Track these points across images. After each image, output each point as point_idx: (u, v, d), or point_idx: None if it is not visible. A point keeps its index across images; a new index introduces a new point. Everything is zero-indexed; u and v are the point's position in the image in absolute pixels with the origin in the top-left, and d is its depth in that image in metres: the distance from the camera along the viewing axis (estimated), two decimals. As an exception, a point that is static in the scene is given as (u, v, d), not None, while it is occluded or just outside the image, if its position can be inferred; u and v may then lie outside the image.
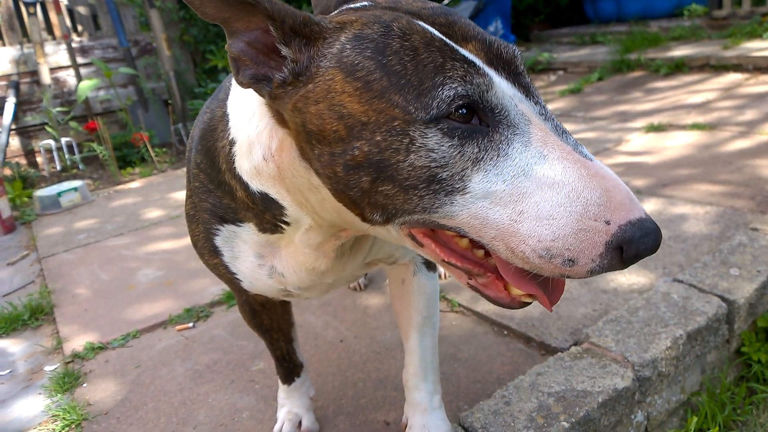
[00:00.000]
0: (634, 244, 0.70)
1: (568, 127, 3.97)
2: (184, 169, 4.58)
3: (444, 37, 0.77)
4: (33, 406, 1.79)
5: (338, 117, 0.76)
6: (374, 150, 0.74)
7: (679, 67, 4.93)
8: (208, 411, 1.63)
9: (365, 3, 0.88)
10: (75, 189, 3.98)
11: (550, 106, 4.65)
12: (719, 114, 3.59)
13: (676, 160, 2.95)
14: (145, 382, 1.81)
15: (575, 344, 1.60)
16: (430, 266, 1.27)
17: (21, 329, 2.30)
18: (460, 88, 0.72)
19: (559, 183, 0.72)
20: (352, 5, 0.87)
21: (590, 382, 1.42)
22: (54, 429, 1.66)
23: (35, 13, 5.07)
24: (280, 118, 0.84)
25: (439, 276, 2.11)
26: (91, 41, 5.61)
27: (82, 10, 5.66)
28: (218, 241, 1.08)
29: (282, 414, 1.49)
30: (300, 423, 1.46)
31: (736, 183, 2.52)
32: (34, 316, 2.35)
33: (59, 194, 3.90)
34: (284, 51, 0.78)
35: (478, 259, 0.82)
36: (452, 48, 0.75)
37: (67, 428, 1.66)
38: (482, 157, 0.74)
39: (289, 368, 1.46)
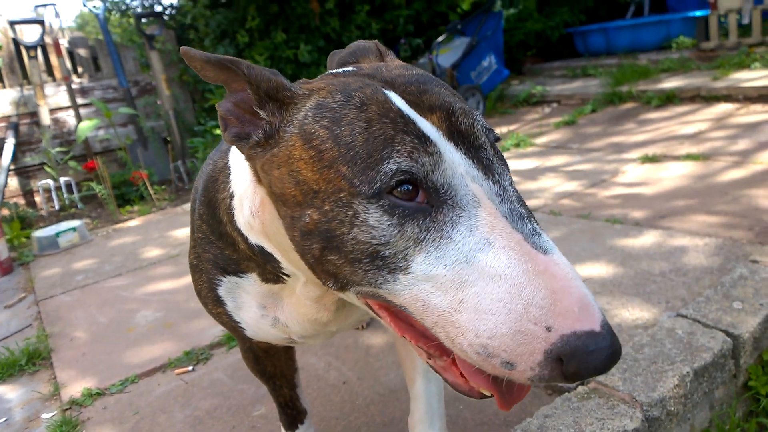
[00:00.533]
0: (574, 360, 0.61)
1: (563, 159, 4.01)
2: (183, 207, 4.59)
3: (407, 107, 0.75)
4: (30, 456, 1.76)
5: (296, 183, 0.77)
6: (323, 219, 0.74)
7: (670, 98, 5.01)
8: (210, 459, 1.60)
9: (349, 68, 0.89)
10: (74, 229, 3.97)
11: (544, 138, 4.71)
12: (712, 144, 3.63)
13: (673, 191, 2.97)
14: (144, 429, 1.78)
15: (582, 383, 1.58)
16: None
17: (18, 375, 2.26)
18: (404, 164, 0.69)
19: (501, 275, 0.65)
20: (336, 71, 0.89)
21: (599, 424, 1.39)
22: (51, 480, 1.62)
23: (36, 56, 5.14)
24: (257, 177, 0.86)
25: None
26: (91, 82, 5.68)
27: (82, 52, 5.75)
28: (221, 291, 1.09)
29: (285, 462, 1.46)
30: (304, 470, 1.43)
31: (733, 213, 2.53)
32: (31, 361, 2.31)
33: (57, 234, 3.89)
34: (261, 113, 0.81)
35: (435, 339, 0.74)
36: (408, 120, 0.72)
37: (64, 479, 1.62)
38: (424, 238, 0.70)
39: (293, 415, 1.43)
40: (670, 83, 5.26)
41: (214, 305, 1.12)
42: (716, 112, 4.43)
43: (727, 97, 4.67)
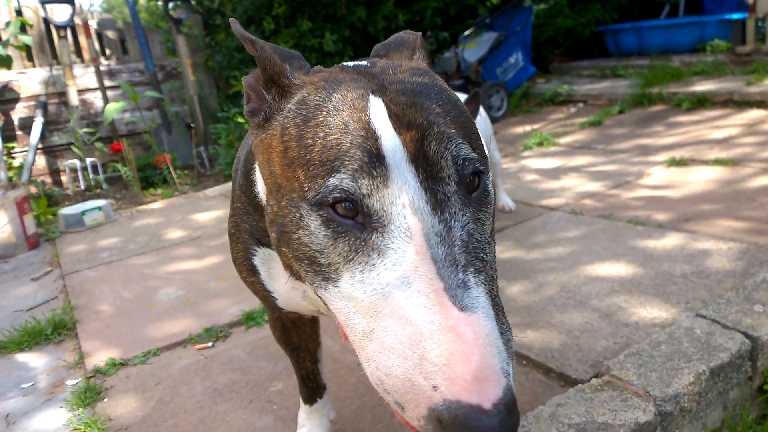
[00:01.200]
0: (451, 428, 0.57)
1: (587, 159, 3.98)
2: (205, 192, 4.65)
3: (384, 119, 0.71)
4: (55, 419, 1.81)
5: (269, 172, 0.80)
6: (279, 213, 0.77)
7: (701, 102, 4.94)
8: (227, 430, 1.64)
9: (364, 63, 0.88)
10: (99, 208, 4.05)
11: (568, 138, 4.69)
12: (742, 150, 3.58)
13: (699, 195, 2.95)
14: (165, 399, 1.83)
15: (596, 376, 1.59)
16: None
17: (44, 343, 2.33)
18: (345, 182, 0.67)
19: (408, 319, 0.62)
20: (347, 64, 0.87)
21: (611, 415, 1.40)
22: (74, 443, 1.68)
23: (65, 37, 5.23)
24: None
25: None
26: (119, 65, 5.77)
27: (110, 34, 5.84)
28: (256, 260, 1.12)
29: (301, 435, 1.49)
30: (318, 446, 1.46)
31: (760, 220, 2.50)
32: (56, 331, 2.38)
33: (83, 213, 3.97)
34: (266, 95, 0.83)
35: None
36: (371, 135, 0.69)
37: (86, 443, 1.67)
38: (352, 258, 0.69)
39: (313, 388, 1.46)
40: (703, 86, 5.19)
41: (249, 274, 1.16)
42: (748, 118, 4.36)
43: (760, 103, 4.59)
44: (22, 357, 2.24)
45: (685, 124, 4.54)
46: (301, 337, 1.39)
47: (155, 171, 5.14)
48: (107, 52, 5.87)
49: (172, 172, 4.94)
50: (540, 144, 4.64)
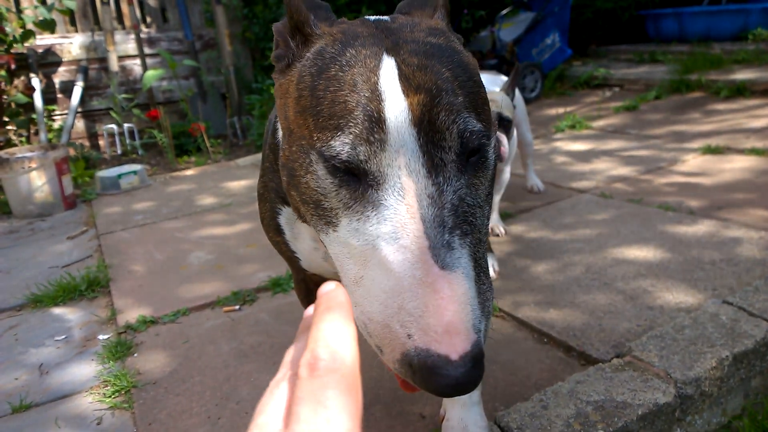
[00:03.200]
0: (420, 373, 0.62)
1: (620, 143, 3.92)
2: (237, 161, 4.71)
3: (393, 80, 0.72)
4: (86, 371, 1.89)
5: (284, 117, 0.83)
6: (291, 158, 0.80)
7: (740, 90, 4.80)
8: (251, 389, 1.70)
9: (386, 18, 0.89)
10: (134, 172, 4.15)
11: (602, 122, 4.61)
12: (781, 140, 3.49)
13: (733, 183, 2.89)
14: (193, 357, 1.89)
15: (617, 356, 1.60)
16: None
17: (78, 299, 2.42)
18: (346, 149, 0.70)
19: (391, 271, 0.66)
20: (369, 17, 0.89)
21: (630, 395, 1.41)
22: (105, 393, 1.75)
23: (108, 3, 5.31)
24: None
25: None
26: (159, 33, 5.84)
27: (151, 2, 5.90)
28: (281, 220, 1.15)
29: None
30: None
31: (795, 211, 2.45)
32: (90, 288, 2.47)
33: (119, 176, 4.07)
34: (291, 42, 0.86)
35: None
36: (376, 96, 0.71)
37: (116, 394, 1.74)
38: (351, 207, 0.72)
39: (334, 352, 1.50)
40: (743, 75, 5.04)
41: (275, 233, 1.19)
42: (788, 108, 4.23)
43: (802, 94, 4.45)
44: (56, 311, 2.33)
45: (723, 112, 4.42)
46: None
47: (190, 139, 5.22)
48: (148, 19, 5.94)
49: (206, 140, 5.01)
50: (572, 127, 4.57)
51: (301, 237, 1.14)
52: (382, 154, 0.70)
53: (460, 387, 0.61)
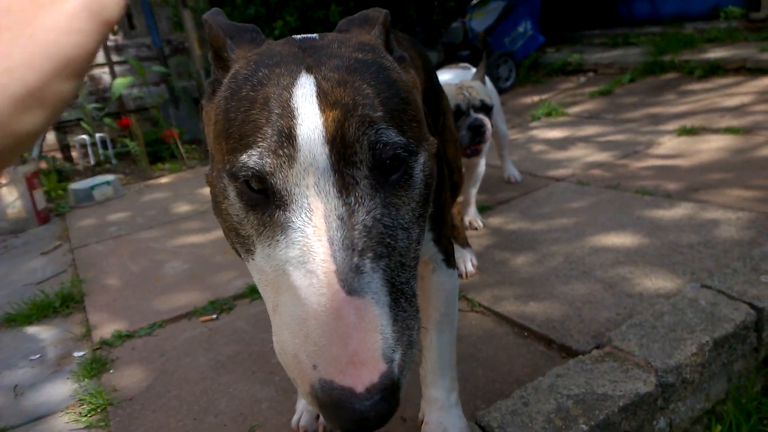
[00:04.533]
0: (325, 407, 0.59)
1: (596, 129, 3.92)
2: (213, 165, 4.66)
3: (309, 97, 0.69)
4: (61, 390, 1.85)
5: (208, 142, 0.83)
6: (213, 183, 0.78)
7: (714, 69, 4.82)
8: (229, 400, 1.66)
9: (314, 36, 0.86)
10: (108, 183, 4.07)
11: (577, 108, 4.61)
12: (754, 118, 3.50)
13: (709, 164, 2.89)
14: (169, 370, 1.85)
15: (597, 347, 1.58)
16: (449, 264, 1.27)
17: (52, 316, 2.36)
18: (253, 160, 0.67)
19: (299, 299, 0.63)
20: (296, 36, 0.87)
21: (611, 386, 1.40)
22: (80, 412, 1.71)
23: (73, 11, 5.20)
24: None
25: (459, 275, 2.10)
26: (126, 40, 5.74)
27: (118, 8, 5.79)
28: None
29: (301, 405, 1.50)
30: (318, 416, 1.47)
31: (770, 188, 2.46)
32: (65, 304, 2.41)
33: (93, 188, 4.00)
34: (216, 69, 0.85)
35: None
36: (288, 113, 0.68)
37: (92, 412, 1.70)
38: (261, 232, 0.70)
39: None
40: (715, 54, 5.06)
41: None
42: (761, 86, 4.26)
43: (773, 70, 4.48)
44: (30, 329, 2.28)
45: (697, 92, 4.44)
46: None
47: (163, 146, 5.14)
48: (114, 27, 5.84)
49: (180, 147, 4.94)
50: (548, 114, 4.57)
51: None
52: (290, 170, 0.67)
53: (365, 422, 0.57)
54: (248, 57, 0.80)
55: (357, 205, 0.67)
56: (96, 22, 0.40)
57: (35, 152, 4.88)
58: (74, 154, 5.40)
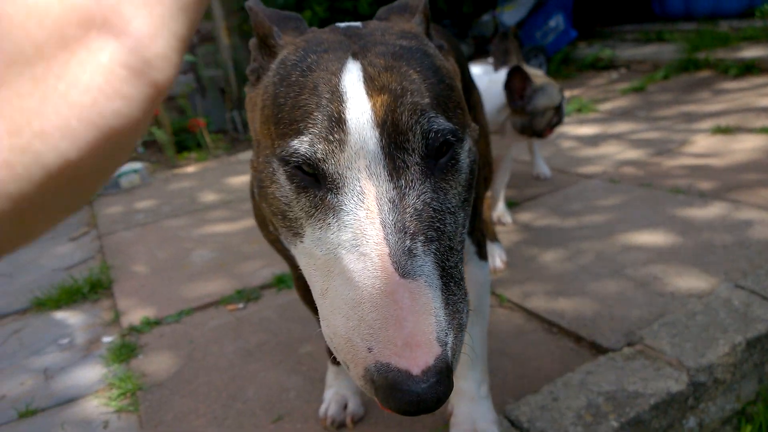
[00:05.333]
0: (382, 390, 0.59)
1: (628, 126, 3.86)
2: (238, 156, 4.68)
3: (357, 82, 0.70)
4: (91, 374, 1.88)
5: (253, 129, 0.83)
6: (259, 168, 0.78)
7: (749, 68, 4.70)
8: (257, 388, 1.67)
9: (357, 24, 0.88)
10: (135, 171, 4.13)
11: (609, 105, 4.54)
12: (792, 118, 3.41)
13: (744, 164, 2.82)
14: (198, 357, 1.87)
15: (628, 345, 1.56)
16: (482, 256, 1.26)
17: (80, 301, 2.40)
18: (304, 146, 0.68)
19: (352, 282, 0.64)
20: (339, 24, 0.88)
21: (642, 384, 1.38)
22: (110, 396, 1.73)
23: (105, 1, 5.26)
24: None
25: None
26: (156, 29, 5.79)
27: (148, -2, 5.85)
28: None
29: (329, 395, 1.50)
30: (346, 405, 1.48)
31: (808, 189, 2.39)
32: (93, 290, 2.45)
33: (120, 175, 4.05)
34: (259, 56, 0.86)
35: None
36: (337, 98, 0.69)
37: (122, 396, 1.73)
38: (312, 214, 0.70)
39: (338, 349, 1.47)
40: (751, 53, 4.94)
41: (268, 231, 1.17)
42: (798, 85, 4.15)
43: (811, 69, 4.35)
44: (59, 314, 2.32)
45: (732, 91, 4.34)
46: None
47: (189, 135, 5.19)
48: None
49: (206, 136, 4.98)
50: (579, 110, 4.50)
51: None
52: (341, 154, 0.67)
53: (422, 404, 0.58)
54: (296, 43, 0.80)
55: (408, 189, 0.67)
56: (142, 85, 0.33)
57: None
58: (103, 142, 5.48)
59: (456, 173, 0.74)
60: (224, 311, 2.14)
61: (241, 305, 2.16)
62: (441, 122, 0.70)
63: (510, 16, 5.81)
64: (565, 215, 2.53)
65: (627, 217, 2.40)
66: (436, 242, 0.67)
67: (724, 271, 1.89)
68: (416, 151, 0.69)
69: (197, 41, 5.89)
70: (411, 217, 0.66)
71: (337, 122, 0.68)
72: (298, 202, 0.71)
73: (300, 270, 1.29)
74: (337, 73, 0.71)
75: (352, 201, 0.67)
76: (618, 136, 3.67)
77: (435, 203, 0.69)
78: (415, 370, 0.57)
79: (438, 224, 0.68)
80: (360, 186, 0.67)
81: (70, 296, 2.41)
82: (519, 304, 1.89)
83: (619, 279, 1.93)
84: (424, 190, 0.68)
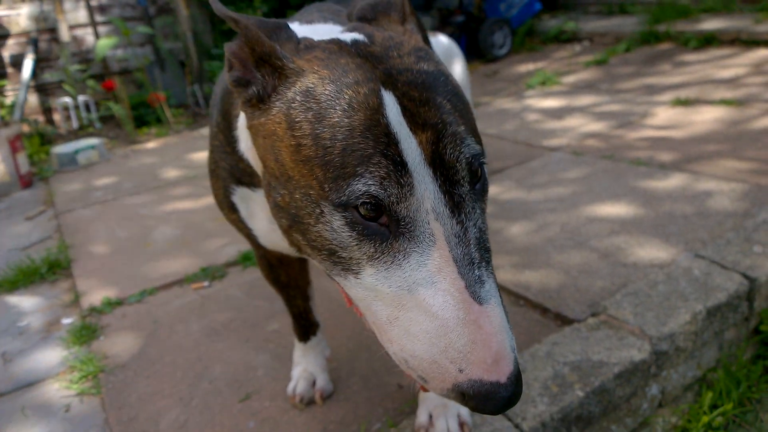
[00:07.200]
0: (475, 400, 0.69)
1: (591, 99, 3.89)
2: (201, 131, 4.57)
3: (399, 119, 0.72)
4: (51, 357, 1.82)
5: (275, 159, 0.79)
6: (293, 204, 0.77)
7: (709, 40, 4.79)
8: (224, 367, 1.65)
9: (360, 37, 0.82)
10: (92, 147, 3.99)
11: (572, 77, 4.57)
12: (748, 90, 3.49)
13: (703, 135, 2.88)
14: (162, 337, 1.83)
15: (592, 316, 1.59)
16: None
17: (38, 283, 2.33)
18: (373, 189, 0.69)
19: (434, 314, 0.70)
20: (342, 38, 0.82)
21: (606, 354, 1.40)
22: (71, 379, 1.69)
23: (54, -32, 5.01)
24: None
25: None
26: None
27: (101, -34, 5.60)
28: (235, 198, 1.11)
29: (297, 372, 1.49)
30: (314, 382, 1.47)
31: (763, 160, 2.46)
32: (51, 271, 2.37)
33: (77, 152, 3.91)
34: (256, 73, 0.80)
35: None
36: (392, 140, 0.70)
37: (83, 379, 1.68)
38: (377, 257, 0.73)
39: (306, 326, 1.46)
40: (711, 24, 5.02)
41: (229, 211, 1.16)
42: (755, 57, 4.24)
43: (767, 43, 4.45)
44: (17, 296, 2.24)
45: (692, 63, 4.41)
46: (289, 275, 1.38)
47: (149, 110, 5.03)
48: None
49: (166, 110, 4.84)
50: (543, 83, 4.52)
51: (257, 216, 1.10)
52: (412, 198, 0.70)
53: (512, 403, 0.69)
54: (318, 72, 0.76)
55: (467, 221, 0.74)
56: None
57: (17, 114, 4.75)
58: (56, 117, 5.27)
59: (486, 192, 0.80)
60: (189, 290, 2.10)
61: (206, 283, 2.12)
62: (475, 147, 0.75)
63: (475, -13, 5.76)
64: (531, 188, 2.55)
65: (591, 190, 2.43)
66: (491, 262, 0.76)
67: (684, 241, 1.93)
68: (464, 180, 0.74)
69: (154, 13, 5.68)
70: (474, 247, 0.73)
71: (401, 165, 0.70)
72: (359, 247, 0.73)
73: (262, 250, 1.28)
74: (381, 110, 0.72)
75: (424, 242, 0.71)
76: (581, 109, 3.70)
77: (482, 225, 0.77)
78: (503, 379, 0.68)
79: (487, 244, 0.76)
80: (430, 227, 0.72)
81: (28, 277, 2.33)
82: (486, 277, 1.90)
83: (584, 250, 1.96)
84: (476, 218, 0.75)
